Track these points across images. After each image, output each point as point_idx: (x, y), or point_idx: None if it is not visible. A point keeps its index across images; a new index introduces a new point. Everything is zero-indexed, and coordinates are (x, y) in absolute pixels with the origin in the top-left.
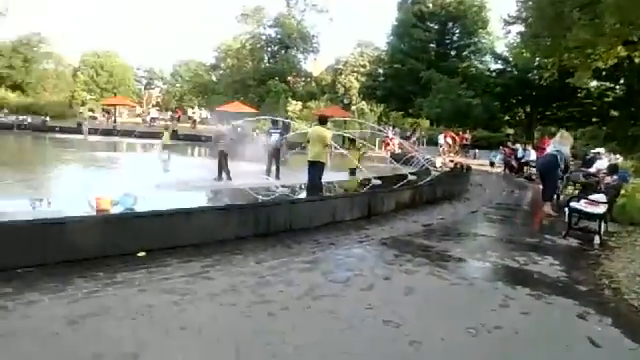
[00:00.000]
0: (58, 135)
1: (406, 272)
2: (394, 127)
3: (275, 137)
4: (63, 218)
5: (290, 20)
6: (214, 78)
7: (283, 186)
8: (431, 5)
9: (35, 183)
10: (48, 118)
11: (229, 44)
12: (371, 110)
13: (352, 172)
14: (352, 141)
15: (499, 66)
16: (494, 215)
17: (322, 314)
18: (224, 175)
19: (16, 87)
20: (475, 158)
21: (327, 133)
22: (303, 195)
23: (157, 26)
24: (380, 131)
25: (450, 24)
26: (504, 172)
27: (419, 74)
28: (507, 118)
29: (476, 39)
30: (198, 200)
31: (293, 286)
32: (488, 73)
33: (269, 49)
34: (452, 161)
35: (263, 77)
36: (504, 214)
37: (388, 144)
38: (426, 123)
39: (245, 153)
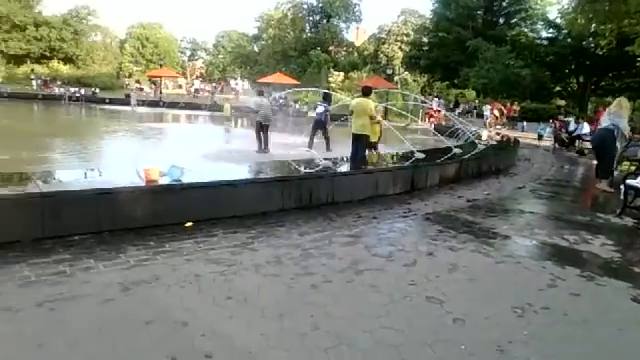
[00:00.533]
0: (108, 107)
1: (450, 249)
2: (439, 98)
3: (319, 109)
4: (114, 188)
5: None
6: (256, 49)
7: (326, 159)
8: None
9: (88, 154)
10: (98, 90)
11: (271, 14)
12: (414, 80)
13: (371, 146)
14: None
15: (551, 34)
16: (543, 191)
17: (364, 288)
18: (263, 146)
19: (67, 59)
20: (523, 131)
21: (371, 104)
22: (345, 168)
23: None
24: (424, 102)
25: None
26: (554, 146)
27: (465, 43)
28: (558, 89)
29: (527, 5)
30: (241, 172)
31: (335, 259)
32: (539, 41)
33: (311, 18)
34: (499, 134)
35: (304, 47)
36: (553, 190)
37: (432, 116)
38: (472, 94)
39: (287, 125)
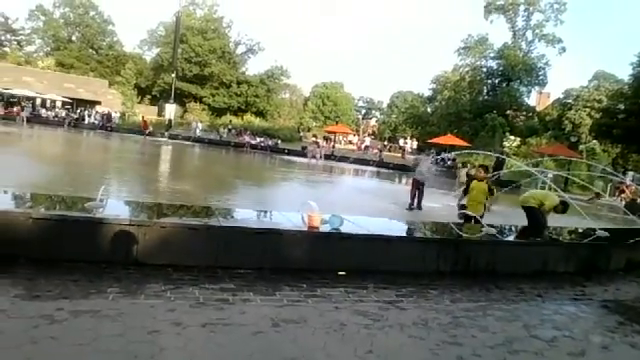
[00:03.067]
0: (286, 157)
1: (632, 345)
2: (634, 173)
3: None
4: (279, 229)
5: (515, 52)
6: (429, 110)
7: (490, 225)
8: None
9: (264, 197)
10: (279, 141)
11: (447, 76)
12: (605, 151)
13: (468, 218)
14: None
15: None
16: None
17: None
18: (416, 203)
19: (259, 113)
20: None
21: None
22: (511, 237)
23: (379, 59)
24: (614, 175)
25: None
26: None
27: None
28: None
29: None
30: (397, 228)
31: (488, 333)
32: None
33: (489, 81)
34: None
35: (480, 110)
36: None
37: (623, 191)
38: None
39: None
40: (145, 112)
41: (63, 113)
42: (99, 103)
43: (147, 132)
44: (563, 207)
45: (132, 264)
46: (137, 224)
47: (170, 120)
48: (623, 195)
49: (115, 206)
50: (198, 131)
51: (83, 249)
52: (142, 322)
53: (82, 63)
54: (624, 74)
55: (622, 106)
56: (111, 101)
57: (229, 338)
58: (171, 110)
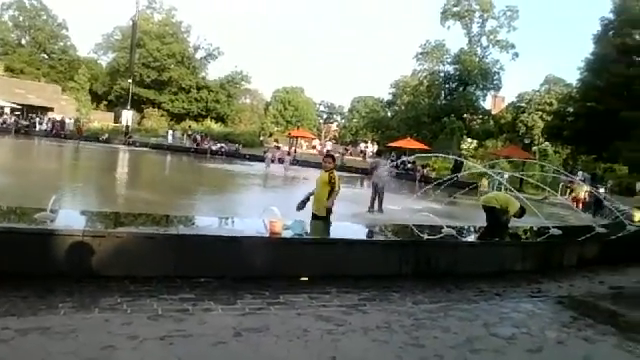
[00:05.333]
0: (247, 162)
1: (585, 339)
2: (583, 172)
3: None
4: (240, 237)
5: (471, 57)
6: (389, 114)
7: (449, 226)
8: (638, 37)
9: (223, 204)
10: (241, 146)
11: (406, 81)
12: (556, 152)
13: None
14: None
15: None
16: None
17: None
18: (376, 207)
19: (219, 118)
20: None
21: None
22: (470, 238)
23: (340, 64)
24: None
25: None
26: None
27: (618, 114)
28: None
29: None
30: (358, 232)
31: (450, 333)
32: None
33: (447, 86)
34: None
35: (438, 114)
36: None
37: (573, 190)
38: (623, 169)
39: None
40: (101, 118)
41: (12, 120)
42: (52, 109)
43: (81, 137)
44: (521, 212)
45: (86, 276)
46: (91, 235)
47: (128, 126)
48: (573, 194)
49: (68, 216)
50: (170, 139)
51: (33, 263)
52: (96, 337)
53: (33, 68)
54: (573, 78)
55: (571, 109)
56: (65, 107)
57: (189, 350)
58: (128, 116)
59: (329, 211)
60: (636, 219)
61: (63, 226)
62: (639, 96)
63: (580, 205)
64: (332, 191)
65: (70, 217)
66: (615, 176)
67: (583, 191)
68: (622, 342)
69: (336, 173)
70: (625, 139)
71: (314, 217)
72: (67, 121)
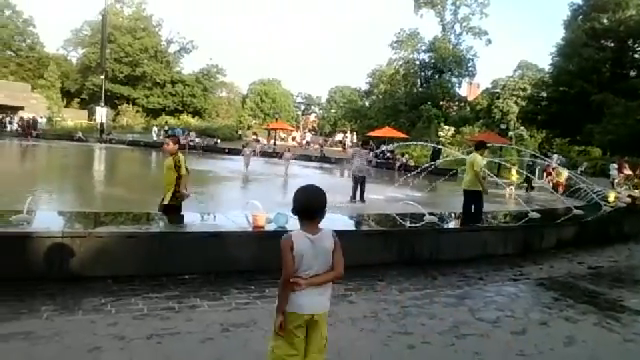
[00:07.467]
0: (227, 156)
1: (567, 319)
2: (559, 155)
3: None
4: (223, 232)
5: (445, 44)
6: (367, 104)
7: (431, 213)
8: (606, 21)
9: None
10: (219, 140)
11: (383, 70)
12: (531, 136)
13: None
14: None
15: None
16: None
17: (466, 354)
18: (358, 196)
19: (196, 113)
20: None
21: (478, 159)
22: (451, 224)
23: (316, 55)
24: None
25: (630, 41)
26: None
27: (589, 97)
28: None
29: None
30: (341, 222)
31: (436, 320)
32: None
33: (422, 74)
34: (630, 196)
35: (415, 102)
36: None
37: (550, 173)
38: (596, 152)
39: (391, 177)
40: (74, 116)
41: None
42: (22, 108)
43: (32, 135)
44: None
45: (67, 279)
46: (70, 235)
47: (102, 124)
48: (549, 177)
49: (46, 218)
50: (155, 136)
51: (11, 266)
52: (81, 340)
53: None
54: (545, 63)
55: (544, 94)
56: (35, 106)
57: (177, 348)
58: (102, 113)
59: (181, 198)
60: (611, 200)
61: (41, 228)
62: (608, 79)
63: (560, 189)
64: (179, 177)
65: (48, 218)
66: (589, 158)
67: (564, 175)
68: (602, 320)
69: (181, 155)
70: (597, 122)
71: (163, 207)
72: (39, 120)
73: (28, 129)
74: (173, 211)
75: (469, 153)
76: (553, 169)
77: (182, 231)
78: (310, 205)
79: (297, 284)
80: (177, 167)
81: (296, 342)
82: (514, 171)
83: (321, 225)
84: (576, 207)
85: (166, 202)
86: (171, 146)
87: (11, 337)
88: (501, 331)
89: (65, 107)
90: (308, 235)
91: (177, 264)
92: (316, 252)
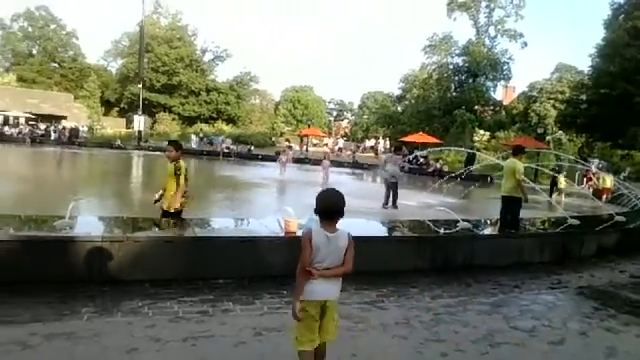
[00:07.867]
0: (260, 162)
1: (608, 330)
2: (599, 160)
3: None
4: (256, 237)
5: (480, 48)
6: (399, 109)
7: (465, 220)
8: None
9: (239, 204)
10: (253, 147)
11: (415, 74)
12: (570, 140)
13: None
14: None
15: None
16: None
17: None
18: (390, 203)
19: (230, 120)
20: None
21: (519, 166)
22: (486, 231)
23: (348, 61)
24: (578, 162)
25: None
26: None
27: (633, 99)
28: None
29: None
30: (374, 228)
31: (469, 328)
32: None
33: (456, 78)
34: None
35: (448, 106)
36: None
37: (590, 179)
38: None
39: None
40: (114, 125)
41: (27, 129)
42: (65, 118)
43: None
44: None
45: (107, 282)
46: (110, 240)
47: (140, 132)
48: (590, 183)
49: (86, 223)
50: (193, 144)
51: (54, 270)
52: (119, 341)
53: (44, 77)
54: (584, 65)
55: (584, 97)
56: (77, 115)
57: (211, 351)
58: (140, 121)
59: (184, 205)
60: None
61: (82, 233)
62: None
63: (605, 196)
64: (178, 185)
65: (89, 223)
66: (632, 163)
67: (609, 180)
68: None
69: (183, 163)
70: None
71: (164, 214)
72: (80, 129)
73: (69, 137)
74: (173, 217)
75: (505, 158)
76: (594, 174)
77: (217, 236)
78: (330, 207)
79: (311, 273)
80: (177, 175)
81: (314, 326)
82: (562, 178)
83: (350, 228)
84: (618, 214)
85: (165, 208)
86: (173, 153)
87: (54, 337)
88: (537, 340)
89: (104, 116)
90: (326, 233)
91: (212, 268)
92: (330, 248)
